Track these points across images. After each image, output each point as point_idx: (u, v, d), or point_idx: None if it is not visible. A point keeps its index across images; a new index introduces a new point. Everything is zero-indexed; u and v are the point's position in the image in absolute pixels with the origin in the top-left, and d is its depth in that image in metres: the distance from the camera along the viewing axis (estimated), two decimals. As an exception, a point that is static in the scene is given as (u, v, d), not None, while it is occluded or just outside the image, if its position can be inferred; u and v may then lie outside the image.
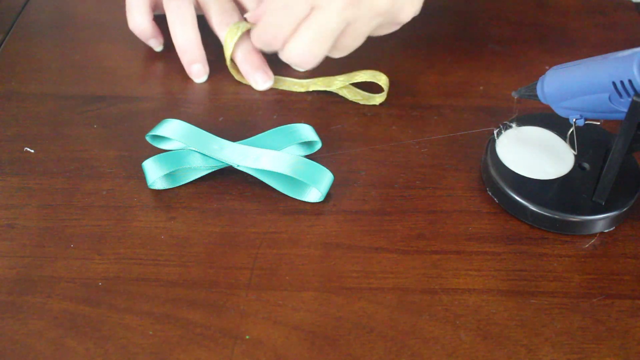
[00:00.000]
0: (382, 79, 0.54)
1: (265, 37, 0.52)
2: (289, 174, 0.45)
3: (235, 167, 0.47)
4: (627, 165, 0.47)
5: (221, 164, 0.47)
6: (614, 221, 0.45)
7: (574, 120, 0.44)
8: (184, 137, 0.47)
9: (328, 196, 0.47)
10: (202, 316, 0.41)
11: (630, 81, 0.39)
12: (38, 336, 0.39)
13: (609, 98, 0.41)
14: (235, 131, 0.52)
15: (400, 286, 0.42)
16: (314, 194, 0.47)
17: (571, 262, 0.44)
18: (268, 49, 0.53)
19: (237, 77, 0.56)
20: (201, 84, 0.56)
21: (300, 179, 0.45)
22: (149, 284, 0.42)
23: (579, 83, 0.42)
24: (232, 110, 0.54)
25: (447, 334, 0.40)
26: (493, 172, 0.47)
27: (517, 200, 0.45)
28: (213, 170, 0.48)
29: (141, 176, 0.47)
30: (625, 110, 0.41)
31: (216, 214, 0.46)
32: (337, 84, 0.54)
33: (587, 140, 0.48)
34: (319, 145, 0.49)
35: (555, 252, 0.45)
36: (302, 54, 0.51)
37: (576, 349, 0.40)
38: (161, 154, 0.47)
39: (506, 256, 0.44)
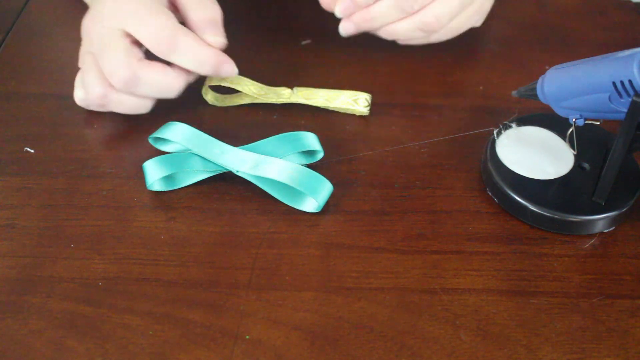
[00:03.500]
0: (359, 105, 0.53)
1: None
2: (288, 183, 0.45)
3: (235, 172, 0.47)
4: (627, 165, 0.47)
5: (221, 168, 0.47)
6: (614, 221, 0.45)
7: (574, 120, 0.44)
8: (186, 140, 0.47)
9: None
10: (202, 316, 0.41)
11: (630, 81, 0.39)
12: (38, 336, 0.39)
13: (609, 98, 0.41)
14: (236, 131, 0.52)
15: (400, 286, 0.42)
16: (311, 204, 0.46)
17: (571, 262, 0.44)
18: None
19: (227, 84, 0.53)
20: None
21: (298, 188, 0.45)
22: (149, 284, 0.42)
23: (579, 83, 0.42)
24: (233, 109, 0.54)
25: (447, 334, 0.40)
26: (493, 172, 0.47)
27: (517, 200, 0.45)
28: (212, 174, 0.48)
29: (141, 176, 0.47)
30: (625, 110, 0.41)
31: (216, 214, 0.46)
32: (319, 102, 0.53)
33: (587, 140, 0.48)
34: (320, 155, 0.48)
35: (555, 252, 0.45)
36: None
37: (576, 349, 0.40)
38: (162, 156, 0.47)
39: (506, 256, 0.44)
